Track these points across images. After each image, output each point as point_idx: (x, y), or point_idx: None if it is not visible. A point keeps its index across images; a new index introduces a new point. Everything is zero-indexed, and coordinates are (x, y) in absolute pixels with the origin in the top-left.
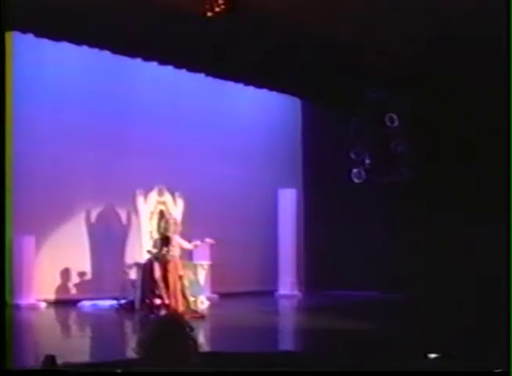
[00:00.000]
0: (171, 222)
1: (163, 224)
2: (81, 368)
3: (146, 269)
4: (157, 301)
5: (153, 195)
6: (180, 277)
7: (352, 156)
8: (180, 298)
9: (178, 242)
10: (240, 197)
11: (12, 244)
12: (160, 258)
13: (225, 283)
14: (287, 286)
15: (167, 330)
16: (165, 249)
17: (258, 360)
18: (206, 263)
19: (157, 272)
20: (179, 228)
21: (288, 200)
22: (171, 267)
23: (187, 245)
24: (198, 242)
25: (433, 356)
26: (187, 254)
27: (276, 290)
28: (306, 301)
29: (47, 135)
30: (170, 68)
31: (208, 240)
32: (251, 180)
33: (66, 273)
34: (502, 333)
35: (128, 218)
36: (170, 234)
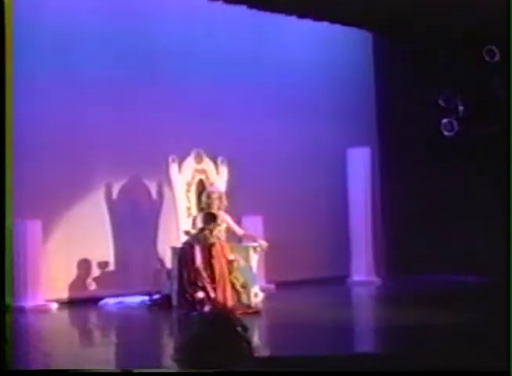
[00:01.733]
0: (214, 195)
1: (204, 198)
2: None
3: (185, 256)
4: (200, 295)
5: (190, 162)
6: (229, 263)
7: (441, 103)
8: (229, 289)
9: (226, 220)
10: (299, 160)
11: (12, 232)
12: (202, 240)
13: (283, 270)
14: (362, 270)
15: (214, 331)
16: (208, 229)
17: (328, 366)
18: (260, 243)
19: (199, 259)
20: (224, 202)
21: (360, 163)
22: (216, 251)
23: (237, 229)
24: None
25: None
26: (235, 236)
27: (349, 276)
28: (387, 288)
29: (53, 92)
30: (203, 0)
31: (261, 243)
32: (312, 139)
33: (83, 265)
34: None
35: (159, 193)
36: (214, 211)
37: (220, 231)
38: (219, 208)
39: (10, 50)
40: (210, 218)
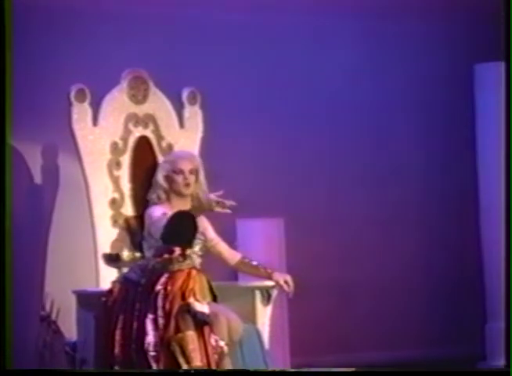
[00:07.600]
0: (185, 166)
1: (160, 177)
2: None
3: (117, 310)
4: None
5: (120, 97)
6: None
7: None
8: None
9: (204, 230)
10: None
11: None
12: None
13: (331, 341)
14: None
15: None
16: (179, 249)
17: None
18: (279, 282)
19: (150, 332)
20: (203, 186)
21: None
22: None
23: (227, 250)
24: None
25: None
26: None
27: (484, 358)
28: None
29: None
30: None
31: (281, 280)
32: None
33: None
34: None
35: (50, 169)
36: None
37: (194, 255)
38: (198, 204)
39: None
40: (185, 226)
